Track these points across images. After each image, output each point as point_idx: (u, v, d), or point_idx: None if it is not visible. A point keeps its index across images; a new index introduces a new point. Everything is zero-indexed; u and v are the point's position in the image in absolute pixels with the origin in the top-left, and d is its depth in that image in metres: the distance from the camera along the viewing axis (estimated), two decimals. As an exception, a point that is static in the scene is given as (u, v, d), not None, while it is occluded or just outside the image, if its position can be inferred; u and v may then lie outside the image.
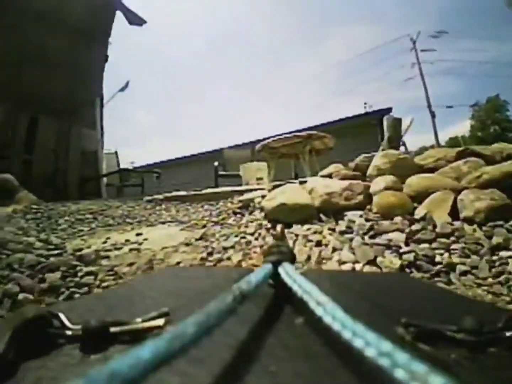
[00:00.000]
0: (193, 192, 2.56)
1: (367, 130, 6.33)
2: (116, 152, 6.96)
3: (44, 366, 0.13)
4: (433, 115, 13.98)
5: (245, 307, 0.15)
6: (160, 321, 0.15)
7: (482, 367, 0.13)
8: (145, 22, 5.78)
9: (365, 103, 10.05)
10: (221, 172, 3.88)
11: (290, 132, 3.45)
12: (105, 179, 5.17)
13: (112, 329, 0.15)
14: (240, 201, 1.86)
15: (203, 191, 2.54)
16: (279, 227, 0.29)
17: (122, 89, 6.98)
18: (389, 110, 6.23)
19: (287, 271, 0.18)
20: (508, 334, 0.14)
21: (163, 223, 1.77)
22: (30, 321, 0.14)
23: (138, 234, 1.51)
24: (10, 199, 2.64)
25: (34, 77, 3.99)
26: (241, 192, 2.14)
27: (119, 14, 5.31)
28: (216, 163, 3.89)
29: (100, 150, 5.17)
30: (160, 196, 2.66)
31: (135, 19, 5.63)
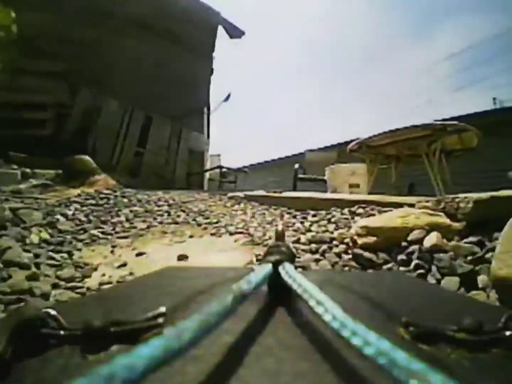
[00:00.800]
0: (272, 194, 2.32)
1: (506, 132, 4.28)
2: (219, 155, 7.87)
3: (44, 367, 0.13)
4: None
5: (245, 307, 0.15)
6: (157, 321, 0.15)
7: (482, 367, 0.13)
8: (243, 33, 6.14)
9: (494, 98, 7.12)
10: (301, 176, 3.48)
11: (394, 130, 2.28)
12: (207, 174, 5.94)
13: (112, 329, 0.15)
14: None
15: (283, 194, 2.25)
16: (279, 227, 0.28)
17: (225, 100, 7.59)
18: None
19: (287, 271, 0.18)
20: (508, 334, 0.14)
21: (231, 234, 1.40)
22: (28, 321, 0.14)
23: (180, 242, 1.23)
24: (83, 181, 2.63)
25: (150, 84, 4.88)
26: (340, 202, 1.65)
27: (220, 29, 5.88)
28: (296, 165, 3.52)
29: (206, 151, 6.00)
30: (241, 194, 2.59)
31: (235, 32, 6.09)
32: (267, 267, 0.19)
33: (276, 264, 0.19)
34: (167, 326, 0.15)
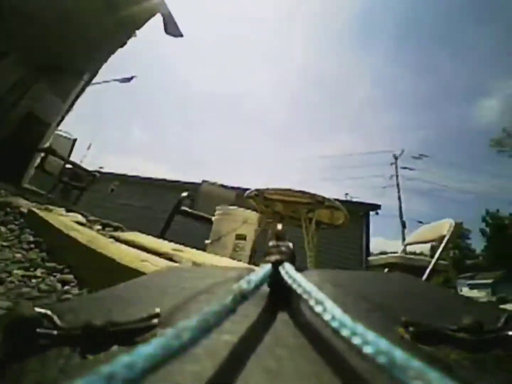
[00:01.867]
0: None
1: (353, 219, 6.01)
2: (74, 140, 5.61)
3: (40, 367, 0.13)
4: (403, 225, 14.78)
5: (245, 307, 0.15)
6: (151, 322, 0.15)
7: (482, 367, 0.13)
8: (181, 35, 5.61)
9: (346, 194, 10.29)
10: (185, 208, 2.76)
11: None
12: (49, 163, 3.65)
13: (110, 330, 0.15)
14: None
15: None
16: (279, 227, 0.27)
17: (123, 80, 6.22)
18: (377, 206, 6.05)
19: (287, 271, 0.18)
20: (508, 334, 0.14)
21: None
22: (22, 321, 0.14)
23: None
24: None
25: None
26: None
27: (159, 17, 5.09)
28: (184, 194, 2.76)
29: (55, 123, 4.02)
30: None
31: (173, 29, 5.41)
32: (267, 267, 0.19)
33: (276, 264, 0.20)
34: (162, 326, 0.15)
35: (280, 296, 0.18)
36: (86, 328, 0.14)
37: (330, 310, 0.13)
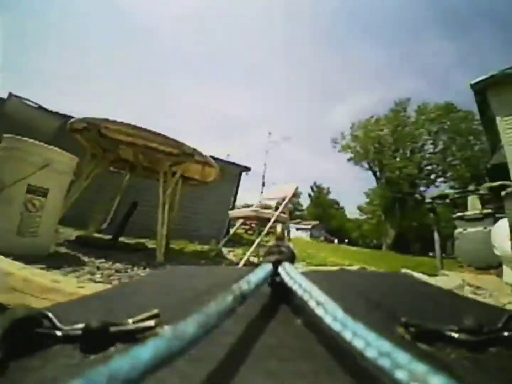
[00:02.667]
0: None
1: (229, 178, 6.22)
2: None
3: (43, 367, 0.13)
4: (263, 184, 17.74)
5: (245, 307, 0.15)
6: (150, 323, 0.15)
7: (482, 367, 0.13)
8: None
9: (228, 155, 10.77)
10: None
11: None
12: None
13: (109, 330, 0.15)
14: None
15: None
16: (279, 227, 0.28)
17: None
18: (248, 168, 6.60)
19: (287, 271, 0.18)
20: (508, 334, 0.14)
21: None
22: (20, 322, 0.14)
23: None
24: None
25: None
26: None
27: None
28: None
29: None
30: None
31: None
32: (267, 267, 0.19)
33: (276, 264, 0.20)
34: (162, 326, 0.15)
35: (280, 296, 0.19)
36: (86, 329, 0.14)
37: (330, 310, 0.13)
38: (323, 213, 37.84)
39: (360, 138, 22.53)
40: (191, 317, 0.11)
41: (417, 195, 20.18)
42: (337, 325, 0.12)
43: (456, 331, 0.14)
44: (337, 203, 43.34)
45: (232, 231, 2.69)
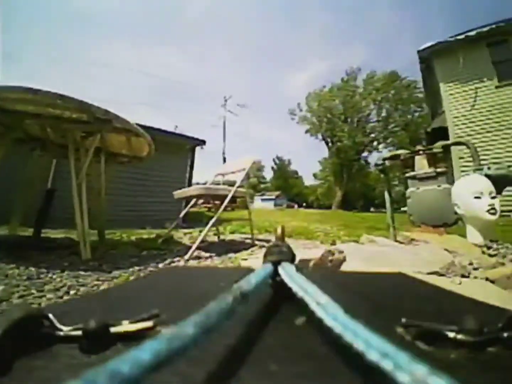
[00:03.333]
0: None
1: (180, 153, 5.64)
2: None
3: (43, 367, 0.13)
4: (224, 160, 17.33)
5: (245, 307, 0.15)
6: (150, 323, 0.15)
7: (482, 367, 0.13)
8: None
9: (176, 126, 9.91)
10: None
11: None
12: None
13: (111, 330, 0.15)
14: None
15: None
16: (279, 228, 0.28)
17: None
18: (203, 142, 6.12)
19: (287, 271, 0.18)
20: (508, 334, 0.14)
21: None
22: (19, 322, 0.14)
23: None
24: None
25: None
26: None
27: None
28: None
29: None
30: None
31: None
32: (267, 267, 0.19)
33: (276, 264, 0.20)
34: (162, 326, 0.15)
35: (280, 297, 0.19)
36: (86, 329, 0.14)
37: (330, 311, 0.13)
38: (285, 183, 40.74)
39: (315, 110, 23.01)
40: (191, 317, 0.11)
41: (361, 161, 22.95)
42: (338, 326, 0.12)
43: (456, 331, 0.14)
44: (296, 172, 47.33)
45: (182, 212, 2.36)
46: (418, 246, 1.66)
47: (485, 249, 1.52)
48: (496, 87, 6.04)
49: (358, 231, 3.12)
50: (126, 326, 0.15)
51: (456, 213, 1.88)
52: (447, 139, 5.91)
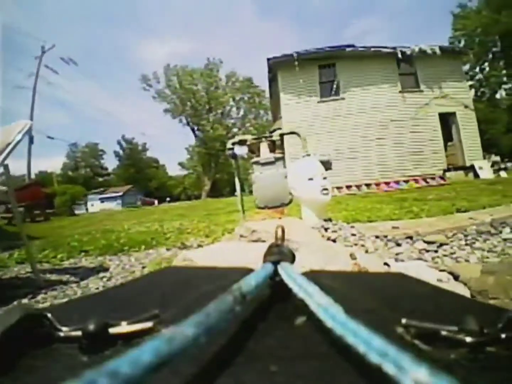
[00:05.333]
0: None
1: None
2: None
3: (43, 367, 0.13)
4: (31, 141, 12.72)
5: (245, 307, 0.15)
6: (150, 323, 0.15)
7: (482, 367, 0.13)
8: None
9: None
10: None
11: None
12: None
13: (111, 330, 0.15)
14: None
15: None
16: (279, 228, 0.29)
17: None
18: None
19: (287, 271, 0.19)
20: (508, 334, 0.14)
21: None
22: (23, 322, 0.14)
23: None
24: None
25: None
26: None
27: None
28: None
29: None
30: None
31: None
32: (267, 268, 0.20)
33: (276, 264, 0.20)
34: (162, 327, 0.15)
35: (280, 297, 0.19)
36: (85, 330, 0.15)
37: (330, 311, 0.13)
38: (138, 175, 34.51)
39: (176, 89, 22.05)
40: (191, 317, 0.12)
41: (226, 153, 24.59)
42: (338, 326, 0.12)
43: (456, 332, 0.14)
44: (156, 161, 40.61)
45: None
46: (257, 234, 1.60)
47: (323, 231, 1.62)
48: (318, 102, 8.26)
49: (221, 218, 3.30)
50: (125, 327, 0.15)
51: (291, 193, 2.06)
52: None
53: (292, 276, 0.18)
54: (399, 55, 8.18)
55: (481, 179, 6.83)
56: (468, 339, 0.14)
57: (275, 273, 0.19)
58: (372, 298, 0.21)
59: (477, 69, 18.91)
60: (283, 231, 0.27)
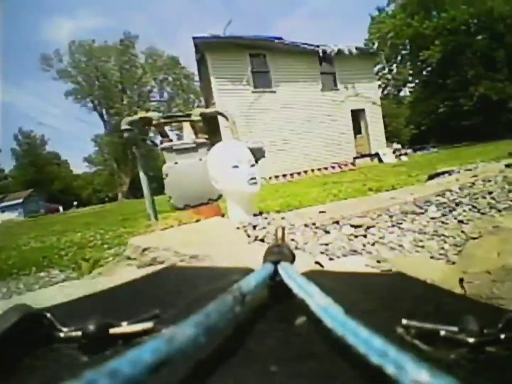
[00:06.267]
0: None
1: None
2: None
3: (43, 367, 0.14)
4: None
5: (245, 307, 0.15)
6: (151, 323, 0.16)
7: (482, 367, 0.13)
8: None
9: None
10: None
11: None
12: None
13: (111, 331, 0.15)
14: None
15: None
16: (279, 228, 0.29)
17: None
18: None
19: (287, 271, 0.19)
20: (508, 334, 0.14)
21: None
22: (24, 322, 0.15)
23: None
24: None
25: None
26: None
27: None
28: None
29: None
30: None
31: None
32: (267, 268, 0.20)
33: (276, 265, 0.20)
34: (162, 327, 0.15)
35: (280, 297, 0.19)
36: (85, 330, 0.15)
37: (330, 311, 0.13)
38: (39, 175, 28.04)
39: (82, 67, 18.66)
40: (191, 317, 0.12)
41: (148, 141, 21.67)
42: (338, 326, 0.12)
43: (456, 332, 0.15)
44: (57, 156, 33.32)
45: None
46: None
47: (251, 230, 1.31)
48: (252, 92, 8.14)
49: (140, 223, 2.91)
50: (125, 327, 0.15)
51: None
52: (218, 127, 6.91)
53: (292, 276, 0.18)
54: (321, 54, 8.81)
55: (384, 163, 8.16)
56: (468, 340, 0.14)
57: (275, 273, 0.19)
58: (372, 298, 0.21)
59: (386, 70, 21.94)
60: (283, 231, 0.27)
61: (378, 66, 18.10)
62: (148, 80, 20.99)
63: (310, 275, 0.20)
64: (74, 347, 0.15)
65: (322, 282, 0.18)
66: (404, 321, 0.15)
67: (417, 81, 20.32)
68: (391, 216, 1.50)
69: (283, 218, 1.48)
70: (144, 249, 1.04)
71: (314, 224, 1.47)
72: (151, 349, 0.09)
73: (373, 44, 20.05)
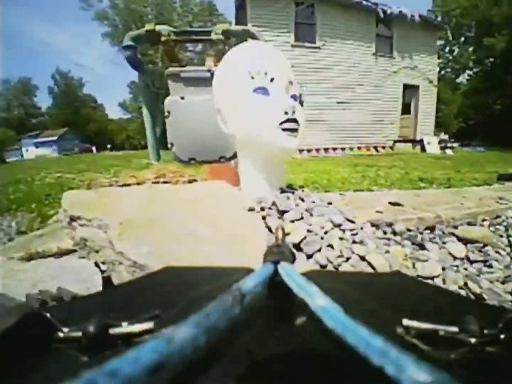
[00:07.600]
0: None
1: None
2: None
3: (43, 368, 0.14)
4: None
5: (244, 307, 0.15)
6: (150, 324, 0.16)
7: (482, 367, 0.13)
8: None
9: None
10: None
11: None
12: None
13: (111, 331, 0.15)
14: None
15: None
16: (279, 228, 0.28)
17: None
18: None
19: (287, 271, 0.19)
20: (508, 335, 0.14)
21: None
22: (23, 322, 0.15)
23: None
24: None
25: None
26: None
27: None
28: None
29: None
30: None
31: None
32: (267, 268, 0.19)
33: (276, 264, 0.20)
34: (163, 328, 0.15)
35: (280, 297, 0.19)
36: (85, 330, 0.15)
37: (330, 311, 0.13)
38: (75, 116, 28.88)
39: (120, 9, 17.61)
40: (191, 317, 0.12)
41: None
42: (338, 326, 0.12)
43: (456, 332, 0.15)
44: (94, 100, 34.05)
45: None
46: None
47: (271, 217, 0.73)
48: (292, 46, 6.99)
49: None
50: (125, 327, 0.15)
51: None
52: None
53: (292, 276, 0.18)
54: (380, 13, 7.27)
55: (427, 153, 7.12)
56: (468, 340, 0.14)
57: (275, 273, 0.19)
58: (372, 298, 0.21)
59: (447, 49, 19.11)
60: (283, 231, 0.26)
61: (439, 42, 15.41)
62: (184, 25, 19.63)
63: (310, 275, 0.20)
64: (74, 347, 0.15)
65: (322, 282, 0.19)
66: (404, 321, 0.16)
67: (477, 69, 17.34)
68: (507, 228, 0.89)
69: (330, 203, 0.88)
70: (72, 219, 0.56)
71: (391, 225, 0.84)
72: (151, 349, 0.09)
73: (436, 17, 17.02)
